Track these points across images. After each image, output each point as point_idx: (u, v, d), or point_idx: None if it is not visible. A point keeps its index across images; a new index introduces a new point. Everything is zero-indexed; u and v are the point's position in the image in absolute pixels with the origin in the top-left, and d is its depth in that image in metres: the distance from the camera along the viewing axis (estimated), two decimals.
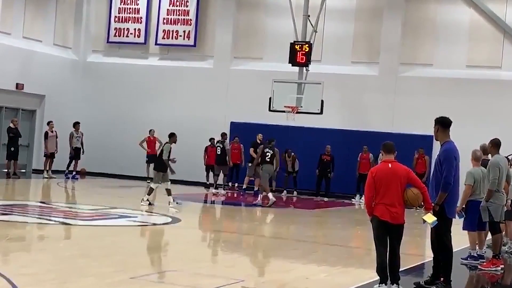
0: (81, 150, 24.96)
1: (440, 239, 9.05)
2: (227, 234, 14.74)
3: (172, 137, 18.06)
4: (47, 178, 23.84)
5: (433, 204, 8.78)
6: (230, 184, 25.05)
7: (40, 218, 14.66)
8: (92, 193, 21.52)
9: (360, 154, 24.06)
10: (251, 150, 23.59)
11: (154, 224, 15.29)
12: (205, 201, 22.52)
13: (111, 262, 9.73)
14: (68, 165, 24.80)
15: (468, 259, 11.71)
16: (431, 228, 8.91)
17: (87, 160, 27.22)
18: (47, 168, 24.29)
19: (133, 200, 20.70)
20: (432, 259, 9.39)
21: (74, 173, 24.85)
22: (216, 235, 14.74)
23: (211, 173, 24.96)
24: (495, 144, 11.37)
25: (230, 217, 18.68)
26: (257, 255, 11.83)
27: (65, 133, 24.74)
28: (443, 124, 9.21)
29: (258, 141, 23.72)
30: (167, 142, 18.07)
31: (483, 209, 11.14)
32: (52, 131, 24.27)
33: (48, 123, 24.39)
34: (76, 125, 24.96)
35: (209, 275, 9.27)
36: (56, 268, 8.99)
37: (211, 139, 25.05)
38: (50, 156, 24.33)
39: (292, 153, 24.70)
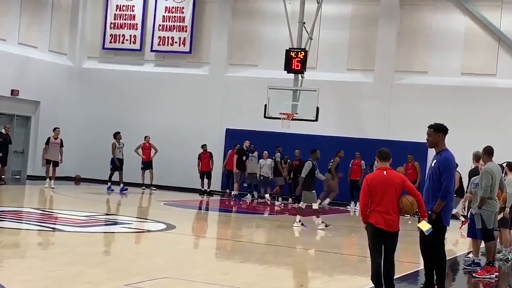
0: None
1: (435, 248, 9.05)
2: (222, 241, 14.73)
3: (314, 153, 16.99)
4: (47, 188, 22.45)
5: (429, 212, 8.78)
6: (228, 191, 25.17)
7: (34, 224, 14.63)
8: (87, 199, 21.48)
9: (352, 160, 24.10)
10: (236, 157, 23.90)
11: (149, 231, 15.27)
12: (200, 208, 22.53)
13: (106, 269, 9.72)
14: (110, 177, 23.94)
15: (472, 265, 11.78)
16: (425, 235, 8.89)
17: (82, 167, 27.26)
18: (49, 176, 22.87)
19: (128, 206, 20.69)
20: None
21: (122, 185, 23.75)
22: (211, 242, 14.73)
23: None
24: (488, 152, 11.41)
25: (225, 224, 18.68)
26: (252, 263, 11.82)
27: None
28: (444, 131, 9.20)
29: (245, 148, 23.90)
30: (309, 160, 17.00)
31: (476, 216, 11.19)
32: (56, 138, 23.03)
33: (54, 130, 23.15)
34: (117, 135, 24.12)
35: (203, 282, 9.26)
36: (50, 275, 8.97)
37: (203, 146, 25.14)
38: (51, 164, 22.94)
39: (289, 160, 24.71)
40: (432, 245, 9.06)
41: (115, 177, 23.93)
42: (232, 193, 24.60)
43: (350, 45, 25.73)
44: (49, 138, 23.24)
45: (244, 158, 24.51)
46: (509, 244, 13.03)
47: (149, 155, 25.18)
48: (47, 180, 22.96)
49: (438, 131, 9.17)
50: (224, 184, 25.90)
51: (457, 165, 9.91)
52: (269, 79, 24.32)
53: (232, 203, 23.60)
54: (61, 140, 23.16)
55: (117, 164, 23.96)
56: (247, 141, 24.54)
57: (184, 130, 26.60)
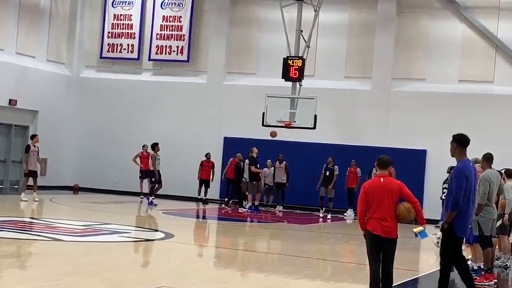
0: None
1: (452, 259, 8.94)
2: (221, 250, 14.71)
3: None
4: (25, 201, 20.67)
5: (441, 222, 8.73)
6: (226, 200, 24.97)
7: (32, 234, 14.61)
8: (85, 208, 21.45)
9: (348, 168, 24.04)
10: (252, 167, 23.13)
11: (147, 240, 15.25)
12: (198, 216, 22.49)
13: (104, 278, 9.69)
14: (155, 190, 23.42)
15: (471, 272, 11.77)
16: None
17: (80, 176, 27.24)
18: (27, 185, 21.23)
19: (126, 215, 20.65)
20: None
21: (151, 198, 23.21)
22: (210, 250, 14.71)
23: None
24: (487, 158, 11.43)
25: (223, 233, 18.66)
26: (251, 271, 11.80)
27: (58, 149, 24.46)
28: (460, 141, 9.22)
29: (255, 155, 23.43)
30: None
31: (474, 223, 11.19)
32: (34, 146, 21.13)
33: (32, 137, 21.50)
34: (156, 146, 23.43)
35: None
36: (48, 285, 8.94)
37: (207, 154, 25.09)
38: (30, 175, 21.18)
39: (284, 161, 24.38)
40: (443, 254, 8.98)
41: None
42: (249, 204, 23.46)
43: (348, 53, 25.76)
44: (28, 146, 21.40)
45: (258, 166, 23.43)
46: (508, 251, 13.02)
47: (147, 164, 25.10)
48: (34, 194, 21.14)
49: (454, 141, 9.24)
50: (223, 193, 25.78)
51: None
52: (267, 87, 24.35)
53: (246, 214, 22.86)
54: (38, 148, 21.33)
55: (156, 177, 23.42)
56: (255, 148, 23.46)
57: (182, 139, 26.60)
